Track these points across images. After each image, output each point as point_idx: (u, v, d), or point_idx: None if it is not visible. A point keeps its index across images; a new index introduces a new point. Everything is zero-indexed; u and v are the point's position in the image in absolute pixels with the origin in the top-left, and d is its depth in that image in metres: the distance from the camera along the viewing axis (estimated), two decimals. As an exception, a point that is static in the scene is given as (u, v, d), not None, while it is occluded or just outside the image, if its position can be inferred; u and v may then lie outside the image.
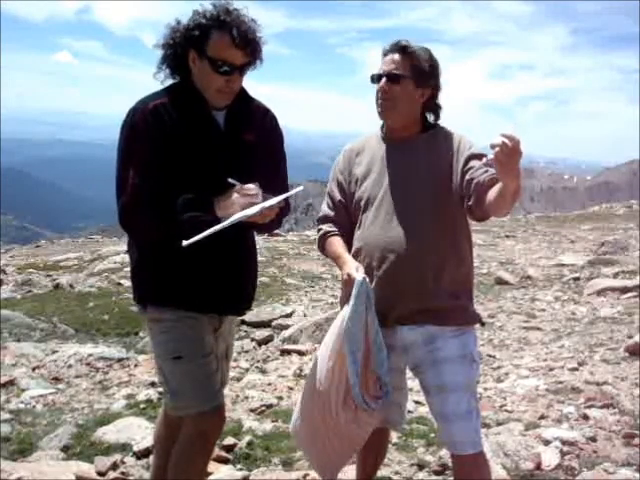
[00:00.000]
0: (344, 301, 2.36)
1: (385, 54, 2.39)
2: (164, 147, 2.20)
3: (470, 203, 2.23)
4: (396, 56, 2.35)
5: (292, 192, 2.29)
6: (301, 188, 2.44)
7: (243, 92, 2.37)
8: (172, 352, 2.32)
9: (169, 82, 2.34)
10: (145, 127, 2.19)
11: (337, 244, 2.45)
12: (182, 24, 2.23)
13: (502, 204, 2.08)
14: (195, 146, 2.25)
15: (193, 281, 2.31)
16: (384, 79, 2.35)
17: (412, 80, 2.34)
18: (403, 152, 2.40)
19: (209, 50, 2.19)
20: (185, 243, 2.04)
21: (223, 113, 2.33)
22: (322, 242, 2.52)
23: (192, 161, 2.24)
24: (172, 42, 2.24)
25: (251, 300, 2.56)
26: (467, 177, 2.25)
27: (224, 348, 2.56)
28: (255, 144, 2.37)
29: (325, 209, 2.55)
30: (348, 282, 2.28)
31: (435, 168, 2.34)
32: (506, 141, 1.83)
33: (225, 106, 2.32)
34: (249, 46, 2.21)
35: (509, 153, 1.84)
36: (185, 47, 2.22)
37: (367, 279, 2.27)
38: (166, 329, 2.33)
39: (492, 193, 2.10)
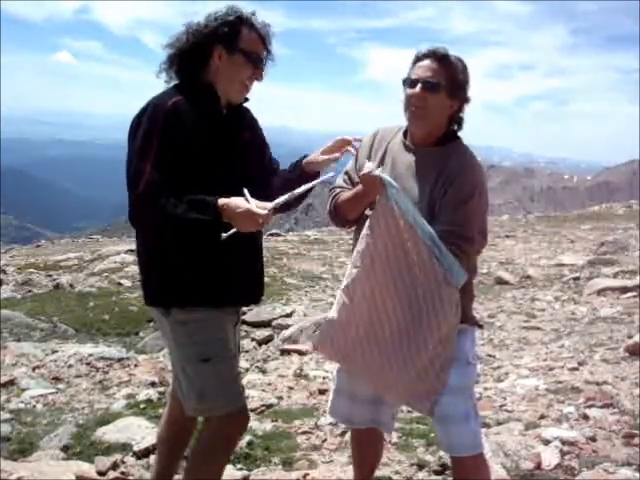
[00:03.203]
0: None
1: (419, 59, 2.33)
2: (182, 145, 2.21)
3: None
4: (434, 64, 2.29)
5: (323, 178, 2.42)
6: (332, 174, 2.50)
7: None
8: (201, 354, 2.30)
9: (173, 82, 2.36)
10: (166, 124, 2.19)
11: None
12: (204, 23, 2.29)
13: None
14: (211, 145, 2.28)
15: (216, 276, 2.31)
16: (420, 85, 2.28)
17: (447, 91, 2.29)
18: (414, 158, 2.37)
19: (241, 43, 2.28)
20: (224, 236, 2.10)
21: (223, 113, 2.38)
22: (335, 198, 2.47)
23: (208, 160, 2.26)
24: (196, 40, 2.28)
25: (264, 288, 2.58)
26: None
27: (237, 343, 2.58)
28: (251, 142, 2.47)
29: (342, 183, 2.51)
30: (367, 179, 2.24)
31: (434, 182, 2.30)
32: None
33: (224, 106, 2.37)
34: (270, 43, 2.36)
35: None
36: (211, 44, 2.28)
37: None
38: (193, 331, 2.31)
39: None
